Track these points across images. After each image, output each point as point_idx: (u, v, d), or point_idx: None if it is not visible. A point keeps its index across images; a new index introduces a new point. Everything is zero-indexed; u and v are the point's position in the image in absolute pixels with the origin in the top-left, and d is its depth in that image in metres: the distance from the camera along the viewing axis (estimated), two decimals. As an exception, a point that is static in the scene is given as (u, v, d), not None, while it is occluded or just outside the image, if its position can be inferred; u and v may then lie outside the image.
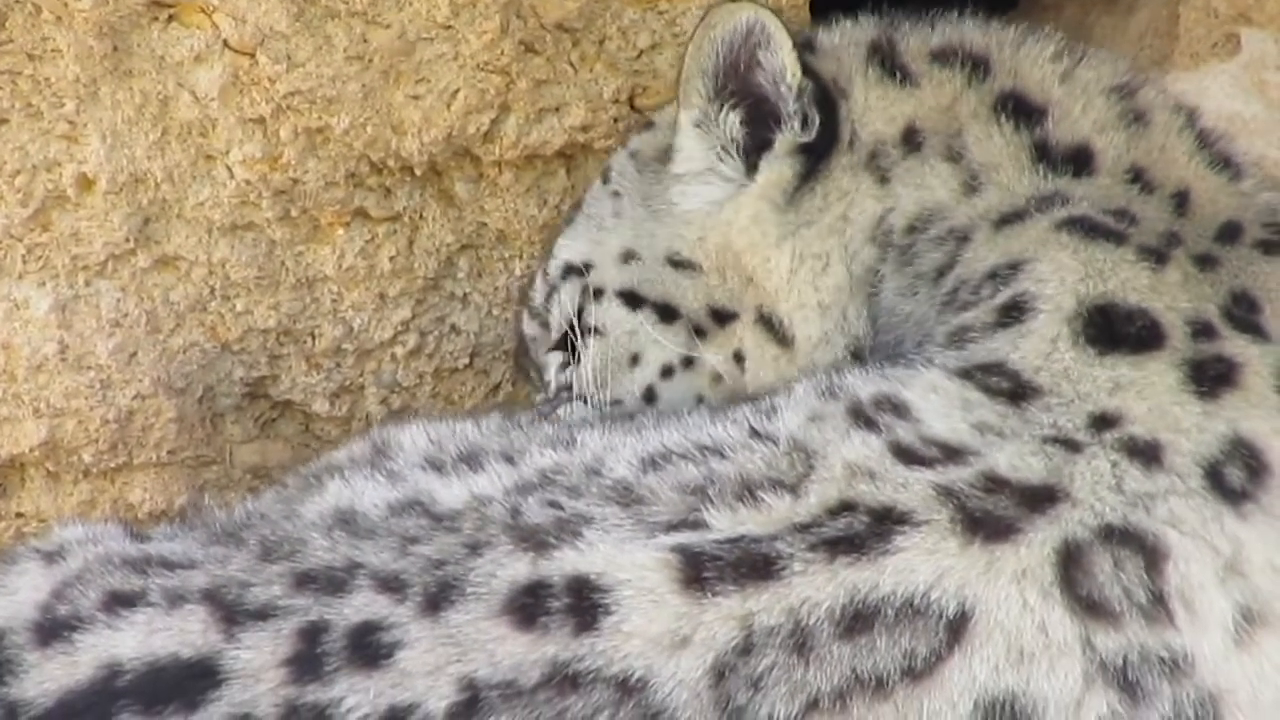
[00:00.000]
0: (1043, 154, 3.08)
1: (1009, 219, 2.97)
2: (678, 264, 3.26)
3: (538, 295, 3.50)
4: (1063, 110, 3.12)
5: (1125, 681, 2.45)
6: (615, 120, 3.77)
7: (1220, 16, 3.73)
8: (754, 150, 3.21)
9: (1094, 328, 2.72)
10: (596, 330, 3.32)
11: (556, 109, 3.74)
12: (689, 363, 3.25)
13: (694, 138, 3.25)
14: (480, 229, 3.85)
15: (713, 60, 3.16)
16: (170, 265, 3.78)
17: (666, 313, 3.27)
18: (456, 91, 3.70)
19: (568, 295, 3.38)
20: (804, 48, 3.17)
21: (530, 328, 3.54)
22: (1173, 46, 3.80)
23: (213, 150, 3.70)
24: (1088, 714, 2.45)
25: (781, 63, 3.11)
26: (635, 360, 3.30)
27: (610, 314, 3.32)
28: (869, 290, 3.11)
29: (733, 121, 3.20)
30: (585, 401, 3.33)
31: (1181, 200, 3.02)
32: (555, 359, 3.46)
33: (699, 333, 3.24)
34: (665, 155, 3.32)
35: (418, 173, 3.80)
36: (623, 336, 3.31)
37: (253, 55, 3.61)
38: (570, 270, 3.38)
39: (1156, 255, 2.81)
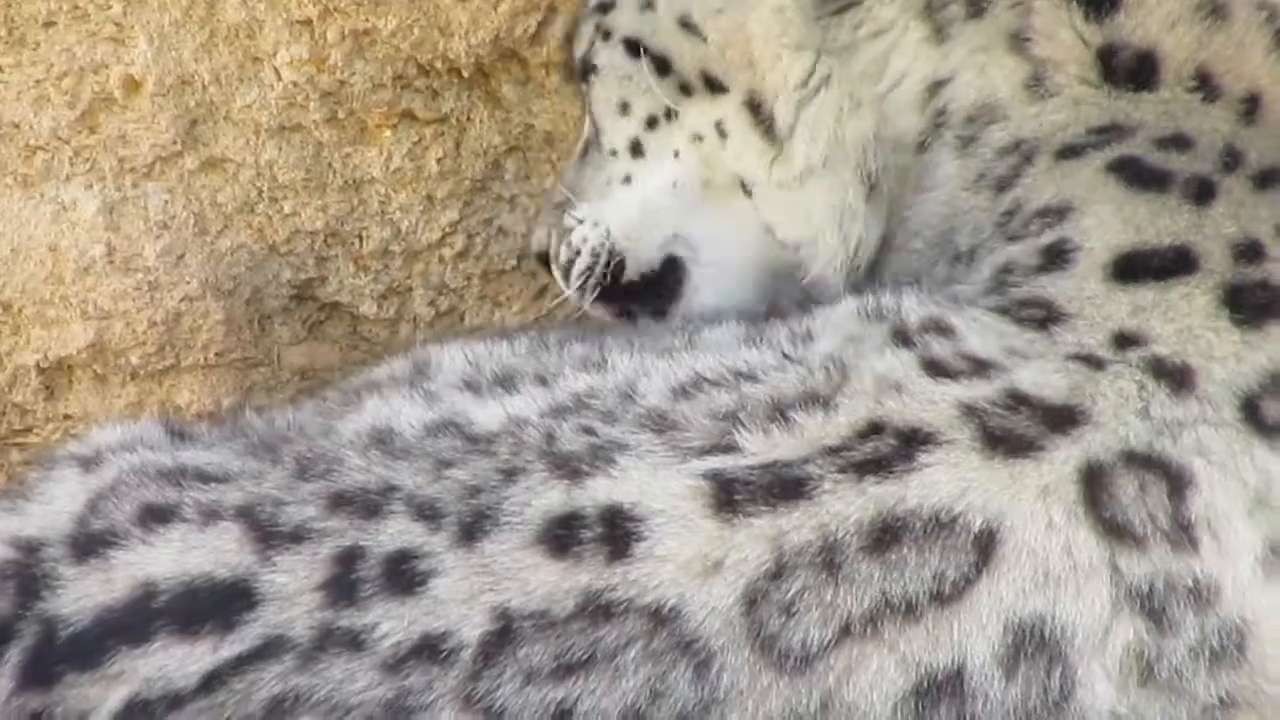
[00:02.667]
0: (1108, 64, 3.05)
1: (1068, 152, 2.96)
2: (687, 25, 3.25)
3: (576, 24, 3.53)
4: None
5: (1152, 608, 2.47)
6: (661, 20, 3.75)
7: None
8: None
9: (1123, 267, 2.75)
10: (596, 68, 3.36)
11: (604, 9, 3.75)
12: (671, 116, 3.28)
13: None
14: (528, 130, 3.88)
15: None
16: (217, 167, 3.81)
17: (662, 65, 3.28)
18: None
19: (587, 29, 3.41)
20: None
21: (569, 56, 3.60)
22: None
23: (259, 52, 3.73)
24: (1115, 641, 2.47)
25: None
26: (625, 108, 3.33)
27: (612, 56, 3.34)
28: (909, 157, 3.14)
29: None
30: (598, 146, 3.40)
31: (1251, 106, 3.00)
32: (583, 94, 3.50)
33: (685, 90, 3.25)
34: None
35: (465, 74, 3.82)
36: (617, 79, 3.33)
37: None
38: (599, 6, 3.40)
39: (1203, 187, 2.82)
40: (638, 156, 3.33)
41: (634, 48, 3.29)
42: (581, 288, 3.37)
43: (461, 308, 3.99)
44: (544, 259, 3.49)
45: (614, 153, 3.36)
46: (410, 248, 3.93)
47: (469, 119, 3.90)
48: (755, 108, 3.21)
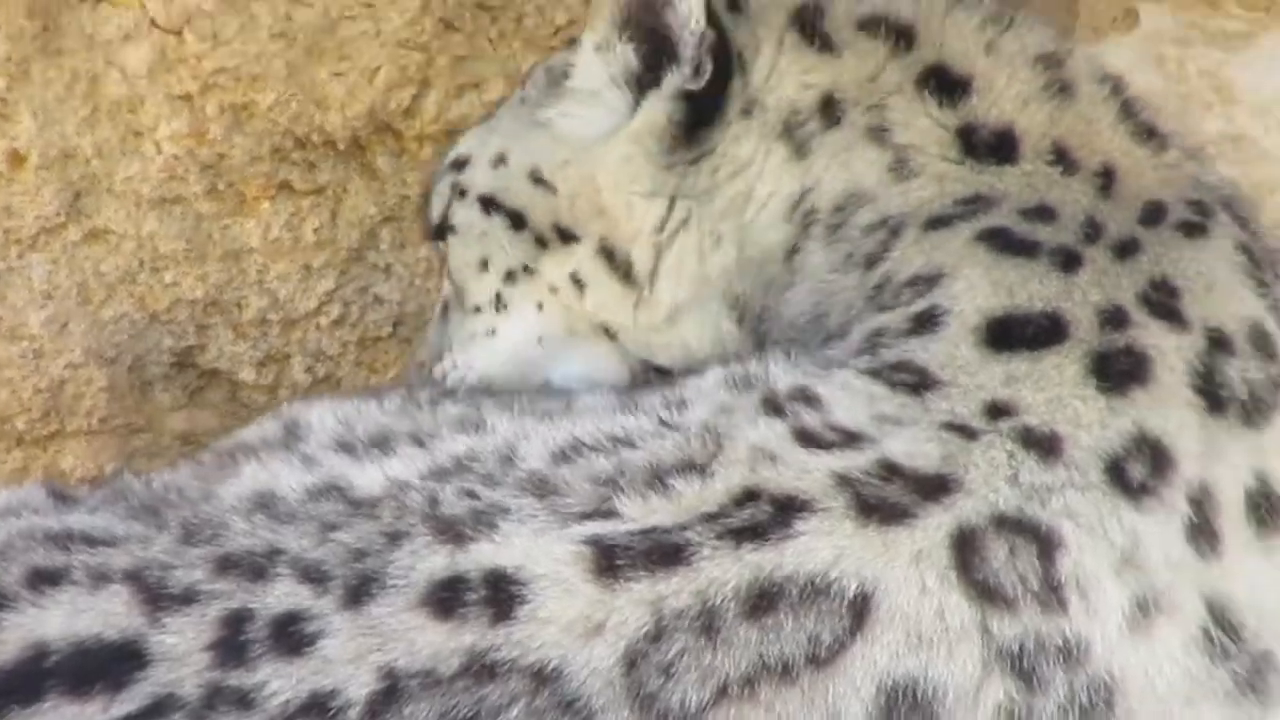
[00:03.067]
0: (968, 142, 3.10)
1: (935, 223, 3.00)
2: (537, 179, 3.24)
3: (434, 180, 3.51)
4: (988, 83, 3.14)
5: (1022, 669, 2.47)
6: (533, 95, 3.80)
7: None
8: (641, 86, 3.19)
9: (995, 334, 2.78)
10: (454, 228, 3.36)
11: (476, 85, 3.80)
12: (529, 271, 3.30)
13: (591, 59, 3.23)
14: (402, 201, 3.92)
15: None
16: (100, 238, 3.85)
17: (516, 220, 3.26)
18: (378, 68, 3.79)
19: (444, 186, 3.41)
20: (730, 3, 3.17)
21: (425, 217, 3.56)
22: (1074, 21, 3.85)
23: (141, 126, 3.77)
24: (986, 700, 2.46)
25: (689, 6, 3.09)
26: (484, 264, 3.32)
27: (469, 214, 3.33)
28: (777, 267, 3.15)
29: (629, 53, 3.19)
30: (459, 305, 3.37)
31: (1106, 179, 3.05)
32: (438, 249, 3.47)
33: (541, 243, 3.27)
34: (566, 74, 3.32)
35: (341, 147, 3.86)
36: (474, 236, 3.34)
37: (179, 34, 3.69)
38: (454, 164, 3.40)
39: (1069, 258, 2.88)
40: (501, 310, 3.35)
41: (489, 204, 3.30)
42: None
43: (338, 374, 4.03)
44: None
45: (477, 309, 3.37)
46: (288, 316, 3.96)
47: (345, 190, 3.95)
48: (609, 254, 3.22)
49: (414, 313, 4.03)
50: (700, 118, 3.12)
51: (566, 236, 3.22)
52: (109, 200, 3.82)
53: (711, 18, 3.06)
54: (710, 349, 3.17)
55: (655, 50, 3.11)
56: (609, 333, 3.26)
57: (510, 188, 3.26)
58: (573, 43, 3.35)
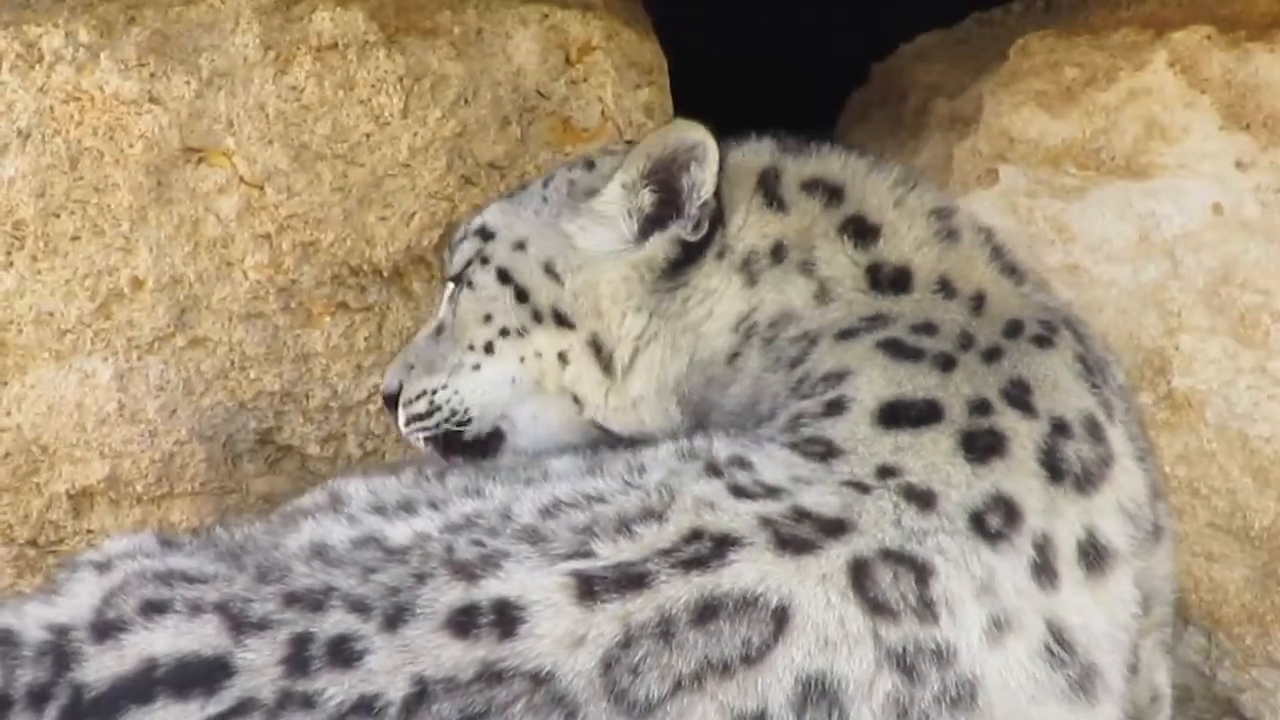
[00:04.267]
0: (875, 276, 3.33)
1: (845, 335, 3.22)
2: (549, 272, 3.52)
3: (458, 232, 3.73)
4: (893, 230, 3.39)
5: (905, 666, 2.70)
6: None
7: (984, 155, 4.24)
8: (650, 226, 3.44)
9: (887, 415, 3.00)
10: (470, 284, 3.57)
11: (490, 226, 3.72)
12: (522, 333, 3.51)
13: (617, 194, 3.46)
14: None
15: (659, 152, 3.38)
16: (201, 344, 4.14)
17: (522, 294, 3.51)
18: (414, 214, 4.17)
19: (469, 247, 3.62)
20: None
21: (445, 254, 3.80)
22: (949, 177, 4.26)
23: (232, 259, 4.11)
24: (878, 691, 2.69)
25: (704, 178, 3.36)
26: (487, 319, 3.55)
27: (485, 278, 3.57)
28: (721, 368, 3.38)
29: (649, 198, 3.44)
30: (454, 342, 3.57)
31: (979, 303, 3.28)
32: (448, 289, 3.69)
33: (537, 318, 3.50)
34: (590, 194, 3.53)
35: (385, 275, 4.17)
36: (485, 297, 3.56)
37: (261, 188, 4.09)
38: (480, 231, 3.62)
39: (947, 360, 3.09)
40: (489, 354, 3.57)
41: (504, 276, 3.55)
42: (431, 435, 3.62)
43: (383, 449, 4.27)
44: (389, 400, 3.70)
45: (471, 347, 3.57)
46: (344, 404, 4.24)
47: (389, 308, 4.24)
48: (597, 348, 3.48)
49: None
50: (686, 258, 3.44)
51: (563, 321, 3.50)
52: (207, 315, 4.13)
53: (716, 189, 3.37)
54: (663, 428, 3.42)
55: (667, 201, 3.44)
56: (576, 400, 3.54)
57: (524, 269, 3.54)
58: (591, 165, 3.69)
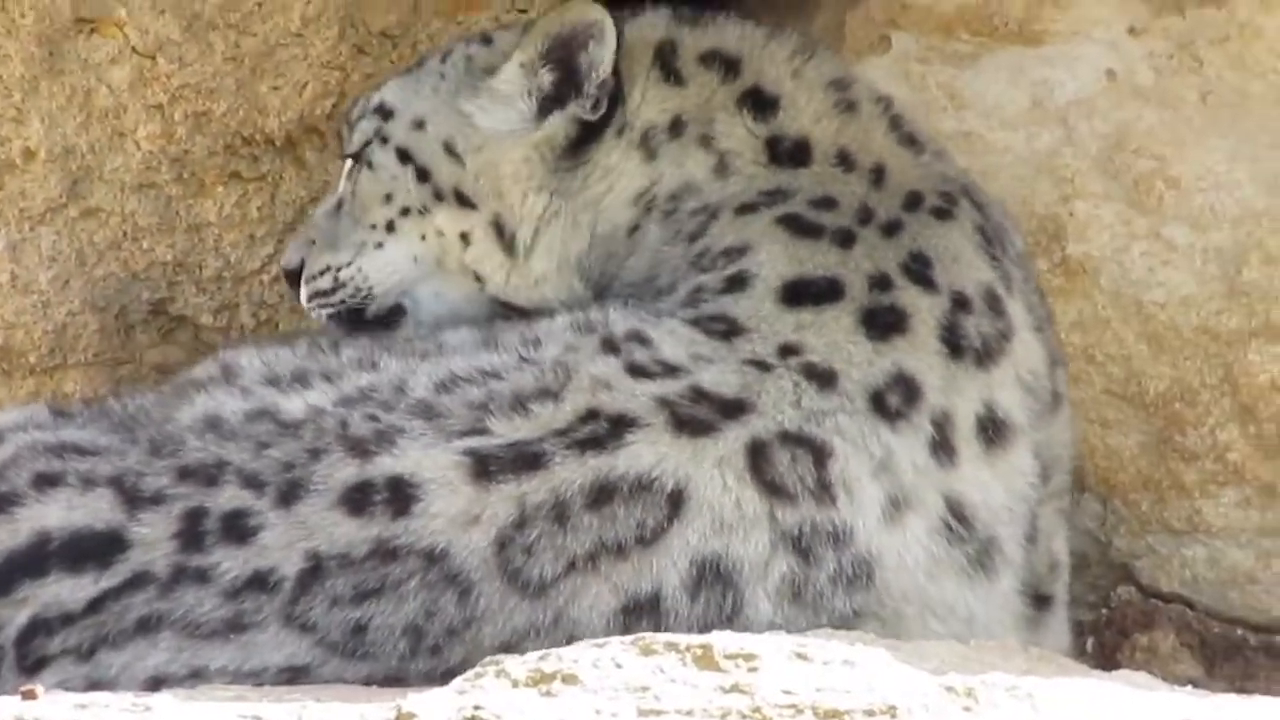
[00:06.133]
0: (774, 149, 3.42)
1: (744, 209, 3.30)
2: (450, 152, 3.57)
3: (356, 108, 3.77)
4: (791, 101, 3.46)
5: (800, 548, 2.79)
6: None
7: (876, 21, 4.20)
8: (549, 105, 3.51)
9: (790, 293, 3.06)
10: (370, 164, 3.63)
11: (381, 95, 3.83)
12: (423, 212, 3.57)
13: (516, 73, 3.53)
14: (325, 185, 4.16)
15: (557, 31, 3.45)
16: (93, 215, 4.19)
17: (423, 174, 3.57)
18: (306, 84, 4.20)
19: (367, 125, 3.66)
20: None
21: (343, 130, 3.83)
22: (841, 45, 4.20)
23: (124, 129, 4.15)
24: (773, 572, 2.78)
25: (602, 56, 3.43)
26: (388, 199, 3.61)
27: (385, 158, 3.62)
28: (621, 242, 3.47)
29: (547, 77, 3.50)
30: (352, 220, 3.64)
31: (878, 175, 3.36)
32: (346, 165, 3.74)
33: (439, 197, 3.56)
34: (489, 71, 3.58)
35: (278, 144, 4.21)
36: (386, 177, 3.61)
37: (153, 57, 4.12)
38: (379, 109, 3.66)
39: (847, 235, 3.16)
40: (391, 232, 3.63)
41: (404, 156, 3.61)
42: (334, 311, 3.67)
43: (276, 319, 4.32)
44: (290, 276, 3.79)
45: (373, 226, 3.63)
46: (238, 274, 4.29)
47: (281, 177, 4.28)
48: (499, 229, 3.54)
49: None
50: (587, 136, 3.53)
51: (464, 202, 3.57)
52: (100, 185, 4.18)
53: (614, 67, 3.45)
54: (564, 300, 3.49)
55: (565, 80, 3.52)
56: (478, 278, 3.61)
57: (424, 149, 3.61)
58: (488, 41, 3.76)
